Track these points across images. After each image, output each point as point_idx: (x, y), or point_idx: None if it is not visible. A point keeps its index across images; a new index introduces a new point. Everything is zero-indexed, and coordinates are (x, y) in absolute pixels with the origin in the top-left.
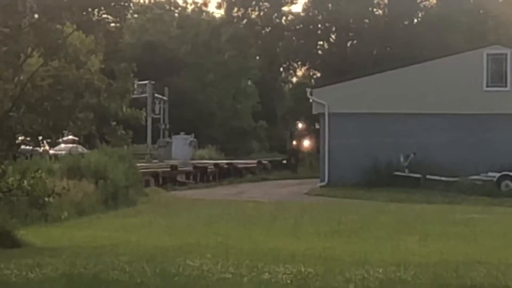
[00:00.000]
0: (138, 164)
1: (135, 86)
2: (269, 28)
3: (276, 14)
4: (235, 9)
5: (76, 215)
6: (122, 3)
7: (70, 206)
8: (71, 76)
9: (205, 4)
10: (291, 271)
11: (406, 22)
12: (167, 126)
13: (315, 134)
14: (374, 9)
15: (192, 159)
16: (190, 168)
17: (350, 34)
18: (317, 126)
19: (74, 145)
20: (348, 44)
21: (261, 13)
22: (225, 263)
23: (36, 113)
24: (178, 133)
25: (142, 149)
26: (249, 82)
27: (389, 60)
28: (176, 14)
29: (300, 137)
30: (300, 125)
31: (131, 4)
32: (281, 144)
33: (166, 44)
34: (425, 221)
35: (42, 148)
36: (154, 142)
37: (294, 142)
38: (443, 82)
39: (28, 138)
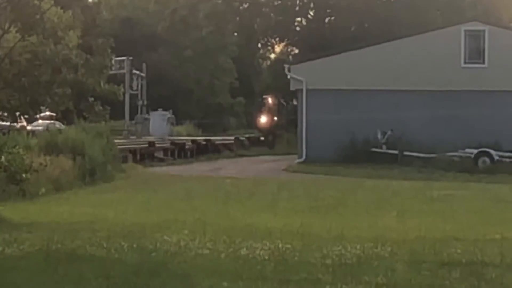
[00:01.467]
0: (116, 140)
1: (113, 62)
2: (247, 4)
3: None
4: None
5: (53, 191)
6: None
7: (47, 182)
8: (48, 51)
9: None
10: (268, 247)
11: None
12: (145, 102)
13: (285, 109)
14: None
15: (170, 135)
16: (167, 144)
17: (328, 10)
18: (295, 102)
19: (52, 121)
20: (326, 21)
21: None
22: (203, 239)
23: (13, 89)
24: (155, 110)
25: (119, 125)
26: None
27: (367, 36)
28: None
29: (269, 112)
30: (269, 100)
31: None
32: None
33: (144, 20)
34: (403, 198)
35: (19, 124)
36: (131, 118)
37: (263, 118)
38: (421, 58)
39: (6, 114)
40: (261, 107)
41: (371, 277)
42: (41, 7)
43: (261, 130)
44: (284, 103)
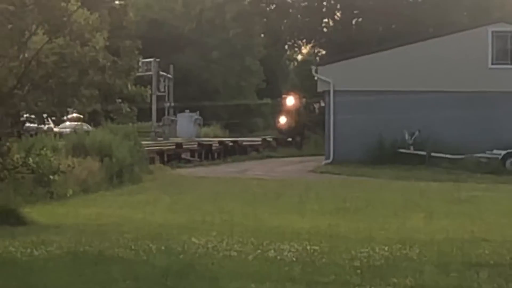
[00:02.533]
0: (143, 142)
1: (140, 63)
2: (274, 5)
3: None
4: None
5: (81, 193)
6: None
7: (75, 183)
8: (75, 53)
9: None
10: (296, 248)
11: (411, 0)
12: (172, 103)
13: (307, 109)
14: None
15: (197, 136)
16: (195, 146)
17: (355, 11)
18: (322, 104)
19: (79, 122)
20: (353, 22)
21: None
22: (230, 240)
23: (41, 91)
24: (183, 111)
25: (147, 126)
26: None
27: (394, 37)
28: None
29: (288, 113)
30: (289, 100)
31: None
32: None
33: (171, 22)
34: (430, 199)
35: (47, 125)
36: (159, 120)
37: (283, 120)
38: (448, 59)
39: (33, 116)
40: (280, 107)
41: (399, 279)
42: (68, 9)
43: (280, 131)
44: (305, 103)
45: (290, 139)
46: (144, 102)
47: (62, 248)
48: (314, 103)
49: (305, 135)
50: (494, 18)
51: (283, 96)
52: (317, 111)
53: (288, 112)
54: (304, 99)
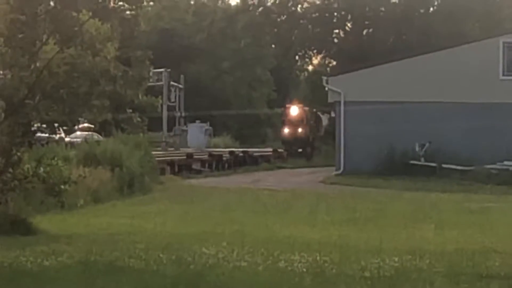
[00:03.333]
0: (154, 152)
1: (151, 73)
2: (285, 16)
3: (291, 2)
4: None
5: (92, 203)
6: None
7: (86, 193)
8: (87, 63)
9: None
10: (306, 259)
11: (422, 10)
12: (183, 114)
13: (314, 119)
14: None
15: (208, 147)
16: (205, 156)
17: (366, 22)
18: (332, 114)
19: (90, 132)
20: (364, 33)
21: (277, 1)
22: (241, 251)
23: (52, 100)
24: (193, 121)
25: (157, 137)
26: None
27: (405, 48)
28: (192, 2)
29: (294, 123)
30: (293, 110)
31: None
32: None
33: (182, 32)
34: (441, 210)
35: (58, 135)
36: (169, 130)
37: (286, 130)
38: (459, 70)
39: (44, 125)
40: (284, 117)
41: None
42: (79, 19)
43: (284, 141)
44: (311, 112)
45: (300, 150)
46: (155, 112)
47: (73, 258)
48: (321, 113)
49: (315, 146)
50: (505, 29)
51: (287, 105)
52: (325, 121)
53: (292, 122)
54: (308, 109)
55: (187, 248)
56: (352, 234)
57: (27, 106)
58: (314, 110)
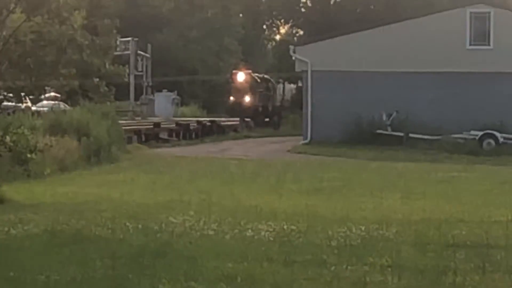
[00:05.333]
0: (121, 121)
1: (118, 42)
2: None
3: None
4: None
5: (58, 172)
6: None
7: (52, 162)
8: (54, 32)
9: None
10: (273, 228)
11: None
12: (150, 83)
13: (265, 87)
14: None
15: (175, 116)
16: (172, 126)
17: None
18: (299, 84)
19: (57, 101)
20: (332, 2)
21: None
22: (208, 220)
23: (18, 69)
24: (160, 90)
25: (124, 106)
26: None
27: (372, 18)
28: None
29: (240, 91)
30: (239, 77)
31: None
32: None
33: (149, 1)
34: (408, 179)
35: (24, 104)
36: (136, 99)
37: (232, 98)
38: (426, 40)
39: (11, 94)
40: (230, 84)
41: (376, 259)
42: None
43: (229, 111)
44: (262, 80)
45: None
46: (122, 81)
47: (39, 226)
48: (275, 80)
49: (281, 115)
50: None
51: (233, 72)
52: (280, 89)
53: (238, 90)
54: (258, 76)
55: (154, 217)
56: (319, 204)
57: None
58: (266, 77)
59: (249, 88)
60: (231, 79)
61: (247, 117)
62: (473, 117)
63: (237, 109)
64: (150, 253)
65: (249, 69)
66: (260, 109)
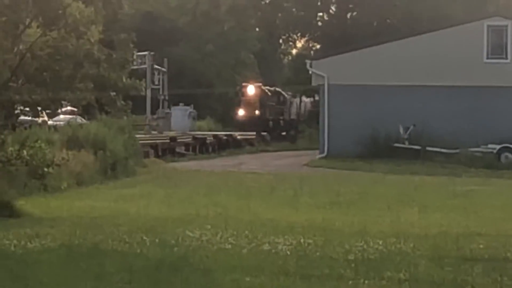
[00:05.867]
0: (138, 135)
1: (135, 56)
2: None
3: None
4: None
5: (75, 186)
6: None
7: (69, 176)
8: (70, 46)
9: None
10: (290, 242)
11: None
12: (166, 97)
13: (276, 100)
14: None
15: (191, 130)
16: (189, 139)
17: (350, 5)
18: (316, 98)
19: (73, 116)
20: (348, 16)
21: None
22: (225, 234)
23: (35, 84)
24: (177, 104)
25: (141, 120)
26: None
27: (389, 31)
28: None
29: (248, 104)
30: (249, 90)
31: None
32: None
33: (166, 15)
34: (425, 193)
35: (41, 118)
36: (153, 113)
37: (241, 112)
38: (444, 54)
39: (27, 109)
40: (239, 97)
41: (393, 273)
42: (63, 2)
43: (238, 124)
44: (269, 93)
45: (284, 133)
46: (139, 95)
47: (56, 240)
48: (291, 94)
49: (299, 129)
50: (489, 12)
51: (243, 84)
52: (289, 102)
53: (247, 103)
54: (269, 89)
55: (171, 231)
56: (336, 217)
57: (10, 89)
58: (278, 90)
59: (259, 102)
60: (241, 92)
61: (257, 131)
62: (490, 131)
63: (247, 123)
64: (167, 267)
65: (261, 82)
66: (271, 123)
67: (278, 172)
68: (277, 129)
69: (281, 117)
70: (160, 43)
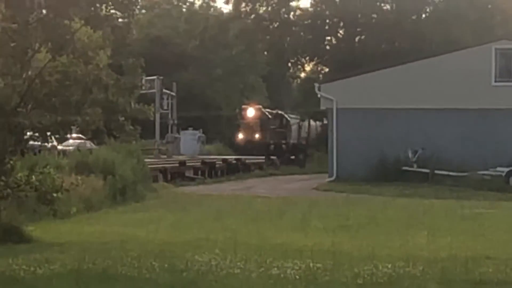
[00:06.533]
0: (147, 160)
1: (143, 81)
2: (277, 23)
3: (284, 9)
4: (243, 4)
5: (84, 211)
6: None
7: (78, 201)
8: (79, 71)
9: (213, 0)
10: (299, 266)
11: (414, 17)
12: (175, 121)
13: (278, 124)
14: (382, 4)
15: (200, 154)
16: (198, 164)
17: (358, 29)
18: (325, 121)
19: (83, 140)
20: (356, 39)
21: (269, 8)
22: (234, 258)
23: (44, 109)
24: (186, 128)
25: (150, 144)
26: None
27: (397, 55)
28: (184, 9)
29: (248, 126)
30: (249, 112)
31: (139, 0)
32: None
33: (174, 39)
34: (434, 216)
35: (50, 143)
36: (162, 137)
37: (241, 135)
38: (452, 77)
39: (37, 134)
40: (239, 120)
41: None
42: (71, 27)
43: (238, 148)
44: (270, 116)
45: (293, 157)
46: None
47: (66, 266)
48: (289, 116)
49: (308, 152)
50: (497, 35)
51: (243, 107)
52: (294, 125)
53: (247, 126)
54: (270, 111)
55: (180, 255)
56: (345, 241)
57: (19, 114)
58: (280, 112)
59: (260, 125)
60: (240, 115)
61: (257, 155)
62: (499, 154)
63: (246, 147)
64: None
65: (267, 105)
66: (273, 147)
67: (287, 196)
68: (279, 153)
69: (284, 141)
70: (169, 68)
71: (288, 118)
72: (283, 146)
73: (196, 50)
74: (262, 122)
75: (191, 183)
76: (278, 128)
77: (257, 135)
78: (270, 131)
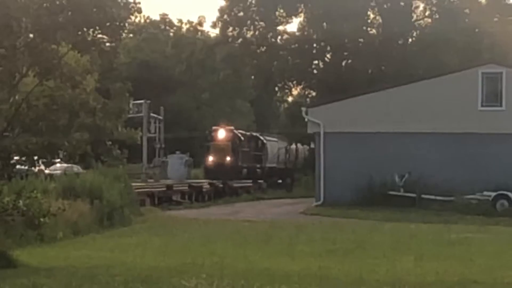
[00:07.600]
0: (134, 184)
1: (131, 105)
2: (264, 47)
3: (271, 34)
4: (230, 29)
5: (71, 235)
6: (117, 23)
7: (65, 226)
8: (66, 95)
9: (200, 24)
10: None
11: (400, 42)
12: (163, 145)
13: (252, 146)
14: (369, 28)
15: (188, 178)
16: (185, 188)
17: (345, 53)
18: (312, 145)
19: (70, 165)
20: (343, 64)
21: (256, 33)
22: (220, 283)
23: (31, 133)
24: (173, 152)
25: (137, 168)
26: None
27: (384, 79)
28: (171, 34)
29: (219, 149)
30: (219, 134)
31: (126, 24)
32: None
33: (161, 64)
34: (421, 241)
35: (37, 168)
36: (149, 161)
37: (210, 158)
38: (438, 101)
39: (23, 158)
40: (209, 142)
41: None
42: (58, 52)
43: (207, 172)
44: (243, 138)
45: (280, 181)
46: (135, 144)
47: None
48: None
49: (295, 177)
50: (484, 60)
51: (213, 128)
52: (273, 148)
53: (218, 149)
54: (242, 133)
55: (166, 280)
56: (332, 266)
57: (6, 139)
58: (255, 134)
59: (231, 147)
60: (210, 137)
61: (226, 179)
62: (486, 178)
63: (216, 171)
64: None
65: (228, 125)
66: (245, 170)
67: (274, 220)
68: (253, 178)
69: (258, 165)
70: (157, 92)
71: (265, 141)
72: (257, 170)
73: (183, 74)
74: (234, 144)
75: (179, 207)
76: (253, 151)
77: (228, 158)
78: (242, 154)
